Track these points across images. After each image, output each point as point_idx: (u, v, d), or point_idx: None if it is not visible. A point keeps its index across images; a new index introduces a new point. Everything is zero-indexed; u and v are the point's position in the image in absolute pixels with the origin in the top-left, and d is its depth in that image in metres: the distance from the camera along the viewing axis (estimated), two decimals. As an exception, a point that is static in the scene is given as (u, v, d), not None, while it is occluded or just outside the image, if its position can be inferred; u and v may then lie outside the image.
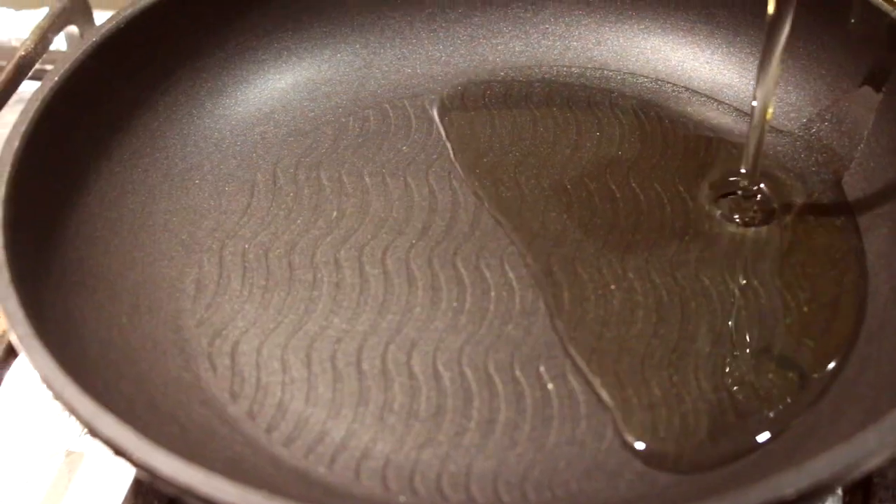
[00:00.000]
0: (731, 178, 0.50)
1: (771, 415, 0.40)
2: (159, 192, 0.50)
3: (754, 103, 0.45)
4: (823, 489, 0.31)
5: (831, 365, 0.42)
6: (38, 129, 0.44)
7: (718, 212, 0.49)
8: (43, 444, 0.47)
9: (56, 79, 0.46)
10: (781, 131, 0.52)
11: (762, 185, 0.49)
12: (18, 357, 0.42)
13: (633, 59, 0.57)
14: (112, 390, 0.39)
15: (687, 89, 0.55)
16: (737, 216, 0.48)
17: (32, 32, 0.56)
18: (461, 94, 0.56)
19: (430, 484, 0.39)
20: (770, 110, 0.45)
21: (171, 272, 0.47)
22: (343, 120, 0.54)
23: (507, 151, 0.52)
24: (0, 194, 0.41)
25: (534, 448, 0.39)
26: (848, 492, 0.42)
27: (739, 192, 0.49)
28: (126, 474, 0.44)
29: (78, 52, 0.47)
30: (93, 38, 0.48)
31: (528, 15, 0.59)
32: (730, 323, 0.43)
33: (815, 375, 0.41)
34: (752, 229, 0.48)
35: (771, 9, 0.42)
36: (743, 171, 0.48)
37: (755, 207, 0.49)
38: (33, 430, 0.47)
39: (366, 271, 0.46)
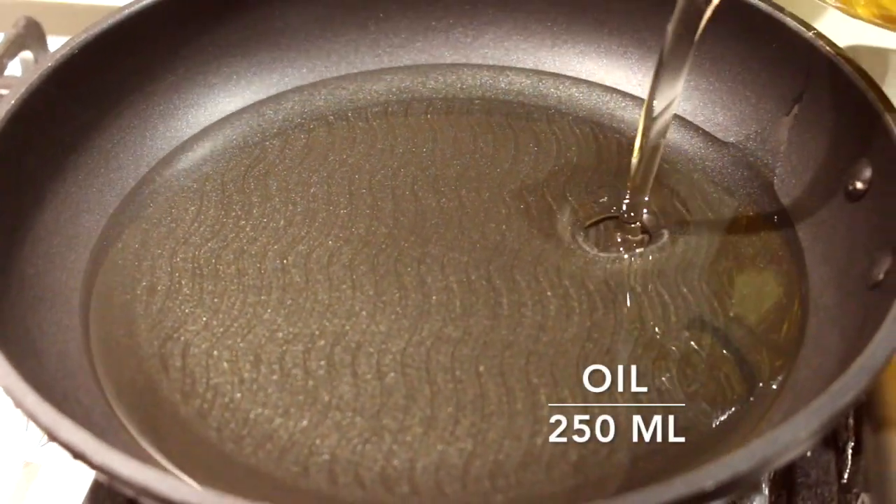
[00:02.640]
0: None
1: (697, 414, 0.42)
2: (114, 211, 0.51)
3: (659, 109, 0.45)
4: (742, 482, 0.32)
5: (765, 370, 0.44)
6: (-6, 152, 0.46)
7: (582, 236, 0.50)
8: (0, 456, 0.48)
9: (12, 103, 0.47)
10: (711, 146, 0.55)
11: (646, 211, 0.50)
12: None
13: (569, 80, 0.59)
14: (70, 399, 0.41)
15: (620, 107, 0.58)
16: (619, 238, 0.50)
17: (-13, 58, 0.57)
18: (405, 110, 0.58)
19: (376, 478, 0.40)
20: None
21: (124, 281, 0.48)
22: (290, 133, 0.56)
23: (448, 165, 0.54)
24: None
25: (473, 442, 0.41)
26: (773, 492, 0.44)
27: (617, 214, 0.50)
28: (82, 484, 0.45)
29: (33, 77, 0.48)
30: (47, 63, 0.49)
31: (469, 40, 0.61)
32: (657, 329, 0.45)
33: (747, 377, 0.44)
34: (682, 238, 0.50)
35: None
36: (628, 192, 0.49)
37: (634, 236, 0.50)
38: (-9, 442, 0.48)
39: (312, 277, 0.48)
